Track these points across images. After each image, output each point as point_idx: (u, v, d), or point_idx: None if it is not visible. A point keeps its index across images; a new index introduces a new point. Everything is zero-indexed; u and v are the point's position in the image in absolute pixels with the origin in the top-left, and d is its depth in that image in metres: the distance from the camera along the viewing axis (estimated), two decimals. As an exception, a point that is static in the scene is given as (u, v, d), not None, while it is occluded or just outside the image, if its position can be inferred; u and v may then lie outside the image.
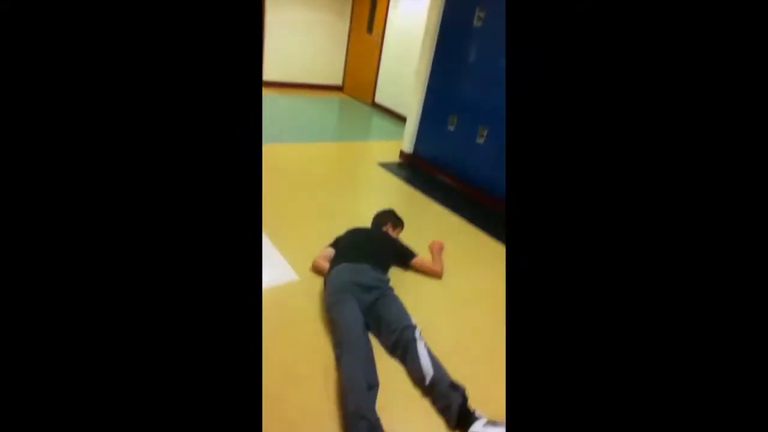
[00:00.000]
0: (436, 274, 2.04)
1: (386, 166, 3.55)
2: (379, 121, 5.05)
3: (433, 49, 3.31)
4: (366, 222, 2.22)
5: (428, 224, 2.64)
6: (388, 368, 1.42)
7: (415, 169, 3.61)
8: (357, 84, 5.85)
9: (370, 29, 5.44)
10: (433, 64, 3.35)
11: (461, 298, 1.93)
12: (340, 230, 2.02)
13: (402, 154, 3.79)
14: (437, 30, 3.25)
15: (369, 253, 1.76)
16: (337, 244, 1.93)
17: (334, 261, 1.77)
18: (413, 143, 3.68)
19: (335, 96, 5.90)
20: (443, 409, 1.27)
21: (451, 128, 3.30)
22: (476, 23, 2.95)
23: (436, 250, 2.21)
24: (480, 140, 3.09)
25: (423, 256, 2.09)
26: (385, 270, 1.81)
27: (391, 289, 1.66)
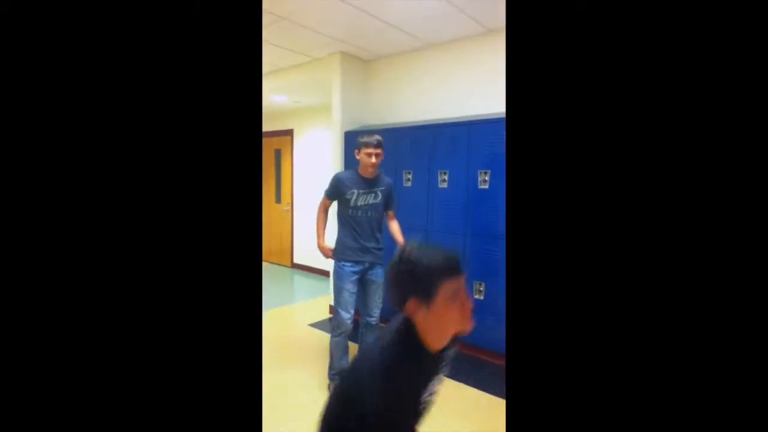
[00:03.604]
0: None
1: (318, 325, 3.43)
2: (301, 281, 5.03)
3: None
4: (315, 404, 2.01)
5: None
6: None
7: (348, 322, 3.52)
8: (273, 250, 5.94)
9: (278, 199, 5.81)
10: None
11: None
12: None
13: (332, 308, 3.73)
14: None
15: None
16: None
17: None
18: (341, 297, 3.67)
19: (252, 265, 5.87)
20: None
21: (375, 275, 3.40)
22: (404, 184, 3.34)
23: None
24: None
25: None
26: None
27: None
